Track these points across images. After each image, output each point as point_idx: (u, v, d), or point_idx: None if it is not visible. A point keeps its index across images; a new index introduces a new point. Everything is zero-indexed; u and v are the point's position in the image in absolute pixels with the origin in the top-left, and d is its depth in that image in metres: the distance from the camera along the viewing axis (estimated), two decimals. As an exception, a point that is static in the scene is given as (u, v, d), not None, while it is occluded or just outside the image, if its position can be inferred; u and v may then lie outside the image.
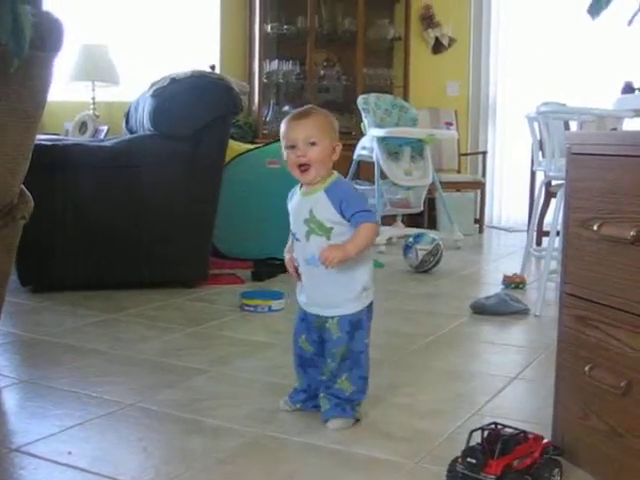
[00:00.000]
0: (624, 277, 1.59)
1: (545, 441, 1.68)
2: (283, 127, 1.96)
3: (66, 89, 5.69)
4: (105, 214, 3.56)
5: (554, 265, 3.58)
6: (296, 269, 2.02)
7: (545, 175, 3.78)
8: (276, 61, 6.62)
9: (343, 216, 1.92)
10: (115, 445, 1.87)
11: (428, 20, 7.02)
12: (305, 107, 2.01)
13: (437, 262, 4.44)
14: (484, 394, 2.28)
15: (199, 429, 1.96)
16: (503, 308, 3.36)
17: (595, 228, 1.64)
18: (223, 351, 2.70)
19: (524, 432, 1.64)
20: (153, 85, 3.85)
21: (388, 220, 5.64)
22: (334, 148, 1.96)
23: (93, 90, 5.82)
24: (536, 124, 3.83)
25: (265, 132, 6.47)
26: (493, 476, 1.53)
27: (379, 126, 5.53)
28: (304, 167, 1.93)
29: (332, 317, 1.97)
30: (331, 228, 1.93)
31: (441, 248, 4.46)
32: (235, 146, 4.62)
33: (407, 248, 4.47)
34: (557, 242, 3.60)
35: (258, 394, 2.25)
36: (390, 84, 6.85)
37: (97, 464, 1.74)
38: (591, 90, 6.27)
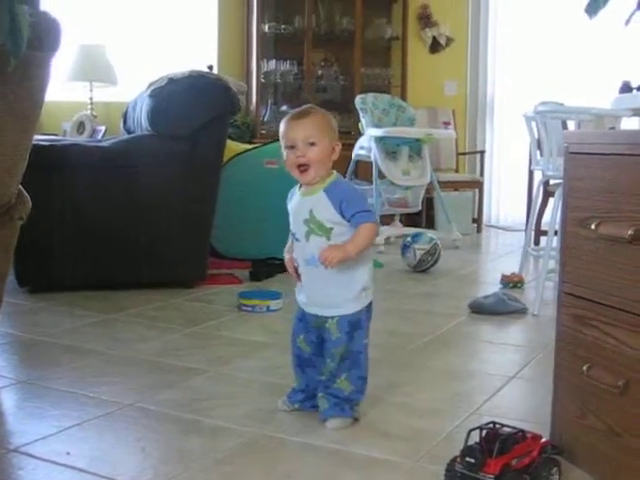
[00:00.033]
0: (622, 276, 1.59)
1: (543, 440, 1.68)
2: (282, 127, 1.96)
3: (64, 89, 5.69)
4: (103, 214, 3.56)
5: (552, 264, 3.58)
6: (296, 269, 2.02)
7: (543, 174, 3.78)
8: (274, 61, 6.62)
9: (343, 216, 1.91)
10: (113, 445, 1.87)
11: (425, 19, 7.03)
12: (304, 107, 2.00)
13: (435, 261, 4.44)
14: (482, 393, 2.28)
15: (197, 429, 1.96)
16: (501, 307, 3.36)
17: (593, 227, 1.64)
18: (221, 351, 2.70)
19: (522, 431, 1.64)
20: (151, 85, 3.85)
21: (386, 220, 5.65)
22: (333, 148, 1.95)
23: (91, 90, 5.82)
24: (534, 123, 3.83)
25: (263, 132, 6.47)
26: (492, 475, 1.53)
27: (377, 126, 5.53)
28: (303, 167, 1.92)
29: (332, 317, 1.96)
30: (331, 228, 1.92)
31: (439, 247, 4.46)
32: (233, 146, 4.62)
33: (405, 248, 4.47)
34: (555, 241, 3.59)
35: (256, 394, 2.25)
36: (388, 84, 6.86)
37: (95, 464, 1.74)
38: (589, 89, 6.28)
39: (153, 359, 2.58)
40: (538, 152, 3.93)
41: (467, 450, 1.58)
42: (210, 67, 5.55)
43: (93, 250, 3.58)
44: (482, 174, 6.81)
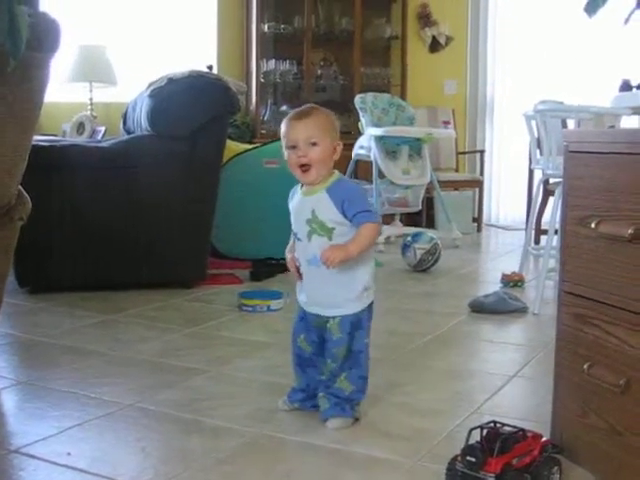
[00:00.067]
0: (622, 275, 1.59)
1: (544, 439, 1.68)
2: (283, 127, 1.95)
3: (63, 90, 5.69)
4: (103, 215, 3.56)
5: (552, 263, 3.58)
6: (297, 268, 2.02)
7: (543, 173, 3.78)
8: (273, 61, 6.62)
9: (345, 216, 1.91)
10: (114, 445, 1.87)
11: (425, 19, 7.03)
12: (305, 106, 1.99)
13: (435, 261, 4.43)
14: (483, 393, 2.28)
15: (198, 429, 1.96)
16: (502, 306, 3.36)
17: (593, 226, 1.64)
18: (222, 351, 2.70)
19: (523, 430, 1.64)
20: (150, 85, 3.85)
21: (386, 219, 5.64)
22: (335, 147, 1.95)
23: (90, 91, 5.82)
24: (534, 122, 3.83)
25: (263, 132, 6.47)
26: (492, 474, 1.53)
27: (377, 125, 5.53)
28: (305, 167, 1.92)
29: (333, 317, 1.96)
30: (333, 228, 1.92)
31: (439, 247, 4.46)
32: (233, 146, 4.62)
33: (405, 247, 4.47)
34: (555, 240, 3.59)
35: (257, 394, 2.25)
36: (387, 83, 6.85)
37: (96, 465, 1.74)
38: (589, 88, 6.27)
39: (153, 359, 2.58)
40: (538, 151, 3.93)
41: (468, 449, 1.58)
42: (210, 67, 5.55)
43: (93, 250, 3.58)
44: (482, 173, 6.81)
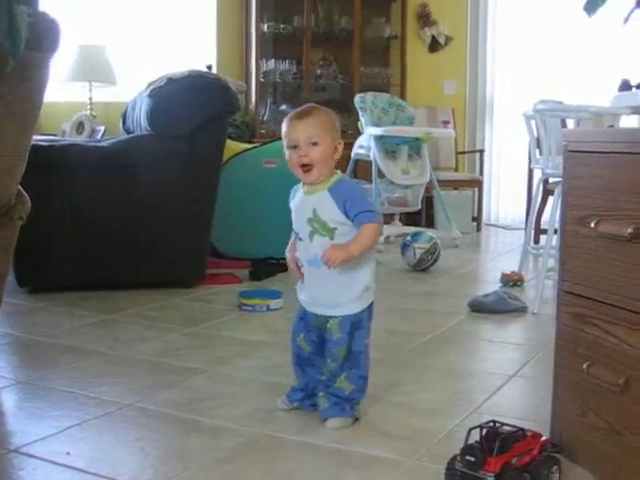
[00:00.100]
0: (621, 274, 1.59)
1: (544, 439, 1.68)
2: (284, 126, 1.95)
3: (63, 89, 5.69)
4: (102, 214, 3.56)
5: (552, 263, 3.58)
6: (298, 267, 2.02)
7: (542, 173, 3.78)
8: (273, 60, 6.62)
9: (347, 216, 1.91)
10: (113, 445, 1.87)
11: (424, 18, 7.03)
12: (306, 105, 1.99)
13: (435, 260, 4.43)
14: (482, 392, 2.28)
15: (197, 429, 1.96)
16: (501, 306, 3.36)
17: (592, 225, 1.64)
18: (221, 351, 2.70)
19: (522, 430, 1.64)
20: (150, 85, 3.84)
21: (386, 219, 5.64)
22: (336, 147, 1.94)
23: (90, 90, 5.82)
24: (533, 122, 3.83)
25: (262, 131, 6.47)
26: (492, 474, 1.53)
27: (376, 125, 5.53)
28: (307, 167, 1.91)
29: (333, 317, 1.96)
30: (334, 228, 1.92)
31: (439, 246, 4.46)
32: (232, 146, 4.62)
33: (405, 247, 4.47)
34: (555, 240, 3.59)
35: (256, 393, 2.25)
36: (387, 83, 6.86)
37: (95, 464, 1.74)
38: (588, 88, 6.27)
39: (153, 359, 2.57)
40: (537, 150, 3.93)
41: (467, 449, 1.58)
42: (209, 67, 5.55)
43: (92, 250, 3.58)
44: (481, 173, 6.81)
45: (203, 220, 3.73)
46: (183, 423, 1.99)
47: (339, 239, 1.91)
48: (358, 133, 5.70)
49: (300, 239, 1.98)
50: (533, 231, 5.20)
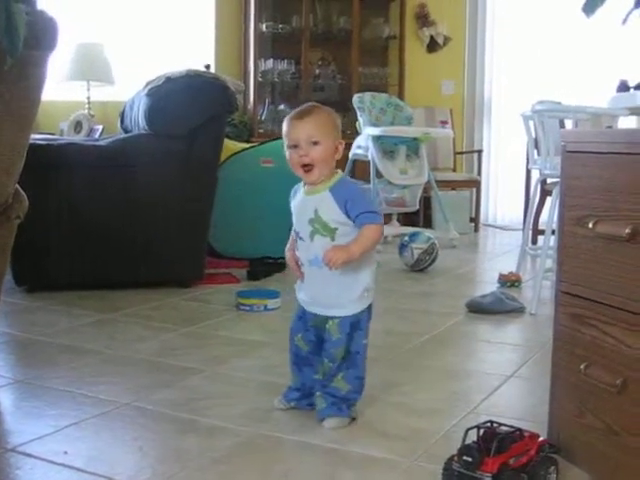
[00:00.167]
0: (620, 275, 1.59)
1: (541, 439, 1.68)
2: (285, 126, 1.94)
3: (61, 88, 5.68)
4: (100, 213, 3.55)
5: (549, 263, 3.58)
6: (298, 266, 2.01)
7: (540, 173, 3.78)
8: (271, 60, 6.62)
9: (348, 216, 1.90)
10: (111, 445, 1.87)
11: (423, 19, 7.03)
12: (307, 105, 1.98)
13: (433, 261, 4.44)
14: (480, 392, 2.28)
15: (194, 428, 1.96)
16: (499, 306, 3.36)
17: (590, 226, 1.64)
18: (219, 350, 2.69)
19: (520, 430, 1.64)
20: (148, 84, 3.84)
21: (384, 219, 5.63)
22: (337, 147, 1.94)
23: (88, 89, 5.81)
24: (531, 122, 3.83)
25: (260, 131, 6.47)
26: (489, 474, 1.53)
27: (374, 125, 5.53)
28: (307, 167, 1.91)
29: (333, 318, 1.96)
30: (335, 229, 1.91)
31: (437, 247, 4.46)
32: (230, 145, 4.62)
33: (403, 247, 4.47)
34: (552, 240, 3.60)
35: (253, 393, 2.24)
36: (385, 83, 6.85)
37: (93, 464, 1.73)
38: (586, 88, 6.28)
39: (150, 359, 2.57)
40: (535, 151, 3.93)
41: (465, 449, 1.58)
42: (207, 66, 5.54)
43: (90, 249, 3.57)
44: (479, 173, 6.81)
45: (201, 219, 3.73)
46: (180, 423, 1.99)
47: (340, 239, 1.91)
48: (356, 133, 5.70)
49: (301, 239, 1.97)
50: (531, 232, 5.19)
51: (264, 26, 6.54)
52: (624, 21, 1.87)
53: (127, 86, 5.33)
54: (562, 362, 1.80)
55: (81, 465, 1.72)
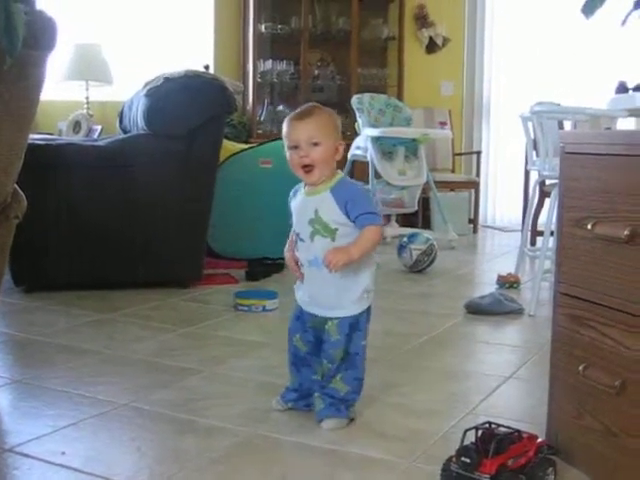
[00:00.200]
0: (618, 276, 1.59)
1: (539, 440, 1.68)
2: (285, 127, 1.93)
3: (59, 88, 5.68)
4: (99, 214, 3.55)
5: (548, 265, 3.58)
6: (298, 266, 2.00)
7: (539, 174, 3.78)
8: (270, 61, 6.62)
9: (348, 217, 1.90)
10: (108, 445, 1.86)
11: (422, 20, 7.03)
12: (307, 105, 1.98)
13: (431, 262, 4.43)
14: (478, 393, 2.28)
15: (192, 429, 1.95)
16: (497, 308, 3.36)
17: (589, 227, 1.64)
18: (217, 351, 2.69)
19: (518, 431, 1.64)
20: (147, 84, 3.84)
21: (382, 220, 5.64)
22: (337, 147, 1.93)
23: (87, 89, 5.81)
24: (530, 124, 3.83)
25: (259, 132, 6.47)
26: (487, 475, 1.53)
27: (373, 126, 5.53)
28: (308, 168, 1.90)
29: (332, 319, 1.95)
30: (336, 229, 1.91)
31: (435, 248, 4.46)
32: (229, 146, 4.62)
33: (401, 248, 4.47)
34: (551, 242, 3.60)
35: (252, 394, 2.24)
36: (384, 84, 6.85)
37: (91, 464, 1.73)
38: (585, 90, 6.28)
39: (148, 359, 2.57)
40: (534, 152, 3.94)
41: (463, 450, 1.58)
42: (206, 67, 5.55)
43: (89, 249, 3.57)
44: (478, 174, 6.81)
45: (200, 220, 3.72)
46: (178, 423, 1.99)
47: (340, 240, 1.90)
48: (355, 134, 5.70)
49: (301, 239, 1.96)
50: (530, 233, 5.20)
51: (263, 27, 6.54)
52: (623, 22, 1.87)
53: (126, 86, 5.33)
54: (561, 363, 1.80)
55: (79, 465, 1.72)
